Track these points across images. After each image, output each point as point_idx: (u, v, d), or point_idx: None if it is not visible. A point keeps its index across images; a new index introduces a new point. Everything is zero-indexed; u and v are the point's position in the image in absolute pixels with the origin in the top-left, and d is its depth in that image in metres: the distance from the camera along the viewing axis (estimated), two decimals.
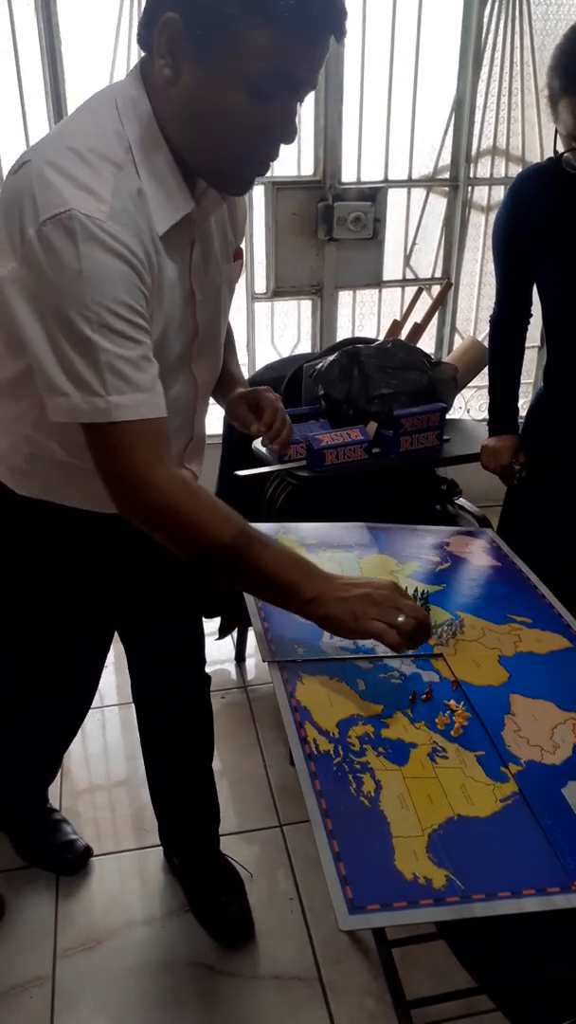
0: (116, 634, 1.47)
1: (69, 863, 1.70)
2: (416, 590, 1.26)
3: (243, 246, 1.23)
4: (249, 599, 1.23)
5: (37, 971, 1.52)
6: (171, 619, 1.42)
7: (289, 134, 0.93)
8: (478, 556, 1.48)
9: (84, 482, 1.06)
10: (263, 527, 1.49)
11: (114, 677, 2.26)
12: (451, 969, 1.43)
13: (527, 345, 1.78)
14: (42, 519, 1.19)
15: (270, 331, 2.93)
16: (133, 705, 1.55)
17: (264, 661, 1.12)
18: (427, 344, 2.77)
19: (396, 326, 2.30)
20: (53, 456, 1.10)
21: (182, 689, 1.51)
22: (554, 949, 0.87)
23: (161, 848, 1.74)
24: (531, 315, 1.73)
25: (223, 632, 2.33)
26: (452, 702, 1.08)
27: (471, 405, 3.07)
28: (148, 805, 1.68)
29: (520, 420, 1.82)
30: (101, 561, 1.25)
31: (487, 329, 1.79)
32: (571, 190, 1.46)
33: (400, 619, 1.01)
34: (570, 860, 0.86)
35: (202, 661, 1.53)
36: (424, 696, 1.08)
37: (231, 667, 2.38)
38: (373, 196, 2.74)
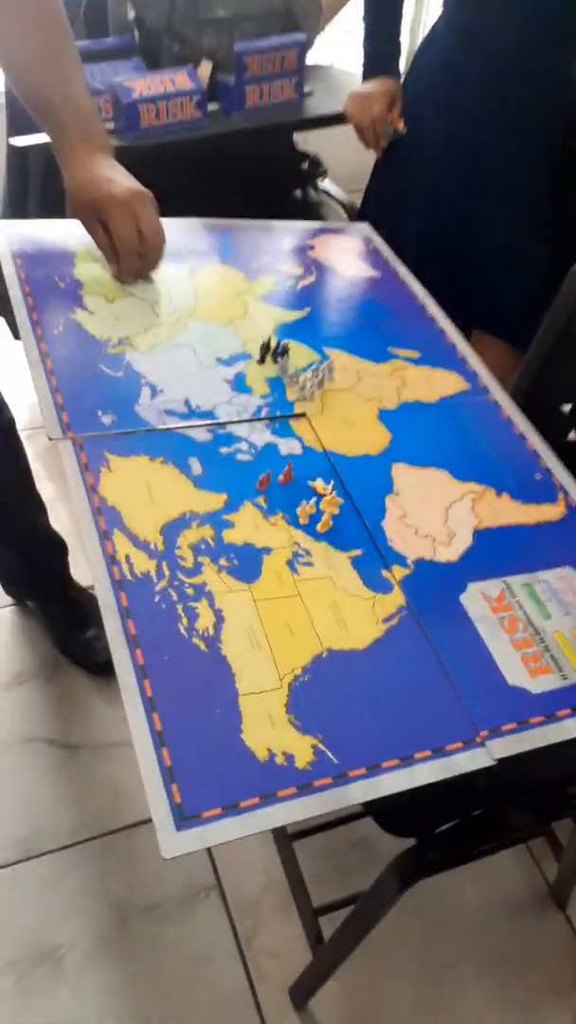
0: None
1: None
2: (269, 340, 0.91)
3: None
4: (30, 345, 0.85)
5: None
6: None
7: None
8: (350, 263, 1.12)
9: None
10: (50, 223, 1.06)
11: None
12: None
13: None
14: None
15: None
16: None
17: (51, 439, 0.77)
18: None
19: None
20: None
21: None
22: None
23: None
24: None
25: None
26: (319, 482, 0.80)
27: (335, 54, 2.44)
28: None
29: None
30: None
31: None
32: None
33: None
34: (474, 702, 0.65)
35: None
36: (282, 477, 0.79)
37: None
38: None
